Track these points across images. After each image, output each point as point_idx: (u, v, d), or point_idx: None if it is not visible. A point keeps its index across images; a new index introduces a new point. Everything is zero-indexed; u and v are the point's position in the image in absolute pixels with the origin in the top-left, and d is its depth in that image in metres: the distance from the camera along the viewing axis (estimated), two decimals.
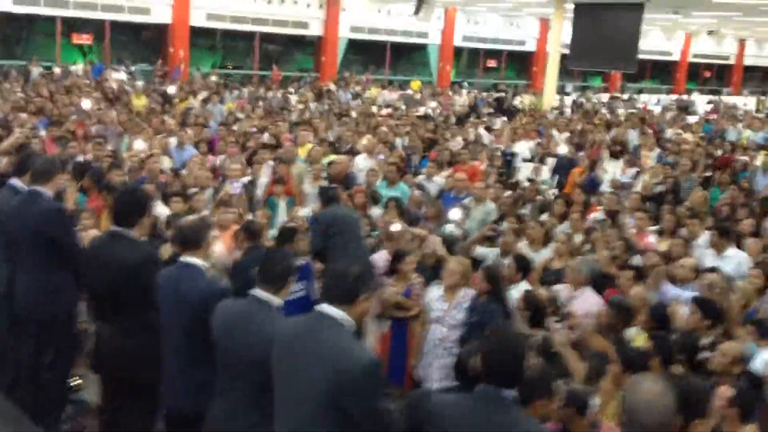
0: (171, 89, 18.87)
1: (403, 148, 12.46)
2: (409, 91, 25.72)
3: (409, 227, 7.15)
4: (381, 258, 6.51)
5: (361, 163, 10.38)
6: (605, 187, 10.44)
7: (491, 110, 22.63)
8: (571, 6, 22.96)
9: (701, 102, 31.00)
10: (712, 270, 6.08)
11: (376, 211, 8.20)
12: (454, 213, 7.87)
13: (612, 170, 11.38)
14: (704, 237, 7.53)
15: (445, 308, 5.59)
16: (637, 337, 4.99)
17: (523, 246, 7.19)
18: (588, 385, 4.40)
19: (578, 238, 7.42)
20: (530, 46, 35.57)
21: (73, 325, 5.20)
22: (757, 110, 30.87)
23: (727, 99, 33.64)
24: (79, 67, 23.05)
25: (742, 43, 41.74)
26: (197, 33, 26.66)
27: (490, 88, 32.03)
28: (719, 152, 14.11)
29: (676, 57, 39.80)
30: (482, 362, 3.04)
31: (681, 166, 11.01)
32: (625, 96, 30.97)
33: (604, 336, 5.06)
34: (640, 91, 35.91)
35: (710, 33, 38.00)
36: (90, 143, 9.85)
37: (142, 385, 4.36)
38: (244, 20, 27.38)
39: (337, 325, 3.18)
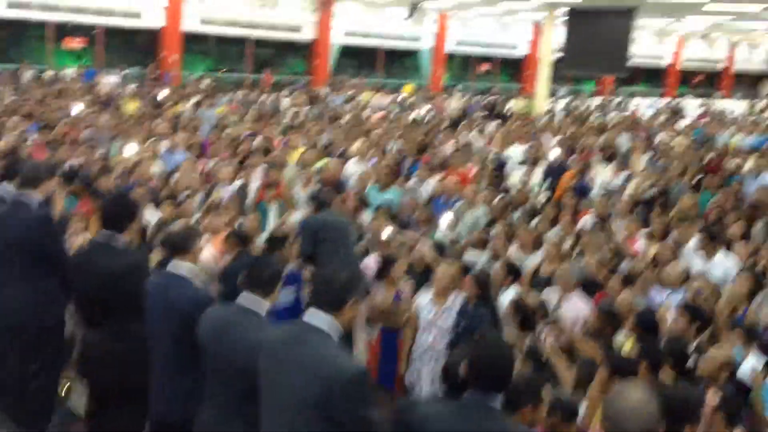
0: (163, 93, 18.83)
1: (396, 152, 12.46)
2: (402, 95, 25.73)
3: (399, 232, 7.16)
4: (371, 263, 6.51)
5: (353, 167, 10.37)
6: (596, 192, 10.46)
7: (484, 114, 22.65)
8: (563, 11, 23.04)
9: (692, 106, 31.10)
10: (701, 275, 6.09)
11: (366, 216, 8.20)
12: (445, 218, 7.87)
13: (603, 174, 11.41)
14: (694, 241, 7.54)
15: (434, 314, 5.59)
16: (624, 342, 5.00)
17: (513, 250, 7.20)
18: (577, 390, 4.40)
19: (568, 243, 7.43)
20: (522, 51, 35.64)
21: (61, 332, 5.17)
22: (748, 114, 30.99)
23: (719, 103, 33.76)
24: (70, 71, 23.00)
25: (733, 47, 41.92)
26: (190, 37, 26.63)
27: (482, 93, 32.08)
28: (710, 156, 14.15)
29: (667, 61, 39.93)
30: (469, 369, 3.04)
31: (671, 170, 11.03)
32: (617, 100, 31.05)
33: (593, 341, 5.08)
34: (631, 96, 36.01)
35: (702, 38, 38.17)
36: (80, 147, 9.82)
37: (129, 392, 4.35)
38: (236, 24, 27.35)
39: (323, 334, 3.17)
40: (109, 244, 4.37)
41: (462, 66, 36.51)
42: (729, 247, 7.61)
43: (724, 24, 28.08)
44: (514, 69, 37.34)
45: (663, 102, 33.01)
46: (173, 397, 3.99)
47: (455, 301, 5.59)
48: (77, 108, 13.80)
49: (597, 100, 30.63)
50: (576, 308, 5.76)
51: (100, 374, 4.47)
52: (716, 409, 4.02)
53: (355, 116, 17.33)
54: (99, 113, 13.77)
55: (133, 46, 27.86)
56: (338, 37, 29.72)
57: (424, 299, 5.71)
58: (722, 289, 6.10)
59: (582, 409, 4.09)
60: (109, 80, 21.39)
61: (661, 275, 6.33)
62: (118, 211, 4.48)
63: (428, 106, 22.33)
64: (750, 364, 4.77)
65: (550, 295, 5.96)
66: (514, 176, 11.68)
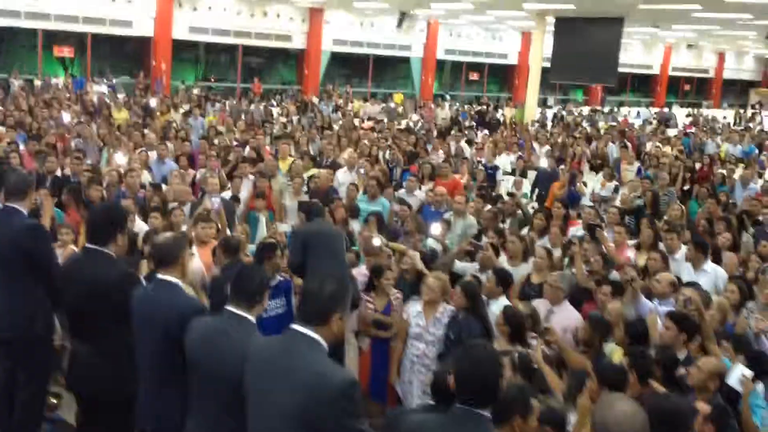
0: (152, 102, 18.82)
1: (385, 161, 12.47)
2: (392, 104, 25.78)
3: (388, 242, 7.15)
4: (360, 273, 6.50)
5: (342, 177, 10.37)
6: (585, 201, 10.48)
7: (473, 123, 22.73)
8: (552, 20, 23.17)
9: (681, 115, 31.30)
10: (689, 285, 6.10)
11: (355, 226, 8.19)
12: (435, 227, 7.86)
13: (592, 184, 11.44)
14: (682, 251, 7.56)
15: (423, 324, 5.59)
16: (614, 352, 5.00)
17: (502, 261, 7.19)
18: (567, 401, 4.40)
19: (558, 253, 7.43)
20: (512, 60, 35.81)
21: (49, 342, 5.15)
22: (736, 123, 31.20)
23: (707, 112, 33.97)
24: (59, 81, 22.95)
25: (721, 56, 42.21)
26: (180, 46, 26.64)
27: (472, 101, 32.19)
28: (698, 165, 14.23)
29: (656, 70, 40.18)
30: (455, 380, 3.03)
31: (660, 179, 11.07)
32: (606, 109, 31.21)
33: (584, 352, 5.08)
34: (620, 104, 36.20)
35: (690, 47, 38.43)
36: (69, 157, 9.79)
37: (117, 403, 4.32)
38: (226, 33, 27.38)
39: (312, 345, 3.16)
40: (97, 255, 4.35)
41: (452, 75, 36.64)
42: (718, 256, 7.64)
43: (712, 32, 28.26)
44: (504, 78, 37.51)
45: (652, 111, 33.20)
46: (161, 408, 3.96)
47: (445, 311, 5.60)
48: (66, 117, 13.75)
49: (586, 109, 30.79)
50: (565, 318, 5.76)
51: (87, 386, 4.45)
52: (707, 420, 4.02)
53: (345, 125, 17.35)
54: (88, 123, 13.74)
55: (122, 55, 27.83)
56: (328, 46, 29.77)
57: (414, 309, 5.71)
58: (711, 299, 6.10)
59: (572, 420, 4.09)
60: (98, 89, 21.35)
61: (651, 285, 6.33)
62: (107, 222, 4.45)
63: (417, 117, 22.39)
64: (738, 372, 4.78)
65: (540, 305, 5.96)
66: (504, 185, 11.70)
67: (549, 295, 6.00)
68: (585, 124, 24.14)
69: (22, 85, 21.04)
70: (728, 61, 42.85)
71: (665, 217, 9.19)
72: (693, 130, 23.91)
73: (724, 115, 33.70)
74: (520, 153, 14.61)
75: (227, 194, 8.89)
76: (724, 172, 13.06)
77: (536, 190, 11.98)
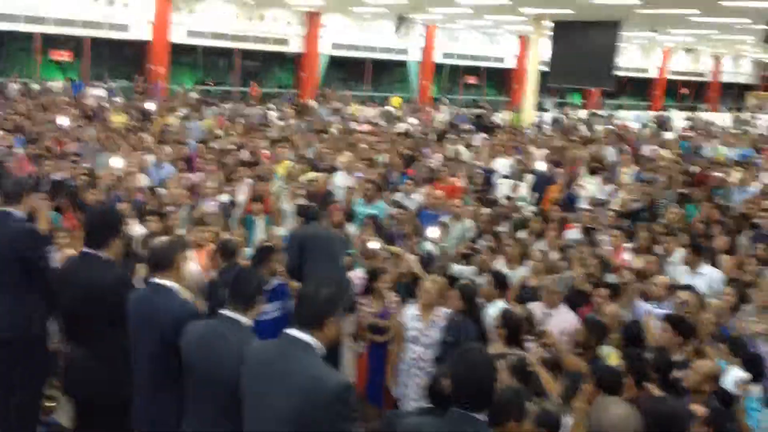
0: (150, 106, 18.80)
1: (382, 164, 12.47)
2: (390, 108, 25.77)
3: (386, 245, 7.15)
4: (357, 276, 6.51)
5: (340, 180, 10.37)
6: (583, 204, 10.49)
7: (471, 127, 22.73)
8: (549, 24, 23.18)
9: (678, 118, 31.31)
10: (686, 288, 6.11)
11: (351, 229, 8.20)
12: (432, 231, 7.87)
13: (590, 187, 11.45)
14: (679, 254, 7.57)
15: (420, 327, 5.59)
16: (610, 355, 5.01)
17: (499, 264, 7.20)
18: (564, 404, 4.40)
19: (555, 256, 7.44)
20: (510, 63, 35.82)
21: (45, 346, 5.15)
22: (733, 126, 31.22)
23: (704, 116, 34.00)
24: (57, 84, 22.94)
25: (718, 60, 42.26)
26: (177, 50, 26.62)
27: (470, 105, 32.21)
28: (696, 169, 14.23)
29: (653, 74, 40.20)
30: (451, 384, 3.04)
31: (657, 183, 11.08)
32: (604, 113, 31.22)
33: (581, 355, 5.08)
34: (618, 108, 36.24)
35: (687, 50, 38.48)
36: (66, 161, 9.78)
37: (113, 407, 4.32)
38: (224, 37, 27.37)
39: (307, 349, 3.16)
40: (93, 259, 4.35)
41: (449, 78, 36.65)
42: (714, 259, 7.65)
43: (709, 36, 28.32)
44: (502, 81, 37.52)
45: (649, 114, 33.23)
46: (156, 412, 3.97)
47: (441, 314, 5.60)
48: (64, 121, 13.74)
49: (584, 113, 30.82)
50: (562, 321, 5.77)
51: (82, 389, 4.44)
52: (703, 423, 4.02)
53: (342, 129, 17.35)
54: (85, 126, 13.73)
55: (120, 59, 27.83)
56: (326, 50, 29.78)
57: (411, 312, 5.71)
58: (707, 302, 6.12)
59: (567, 422, 4.09)
60: (96, 93, 21.33)
61: (647, 288, 6.35)
62: (103, 226, 4.46)
63: (416, 120, 22.38)
64: (734, 375, 4.79)
65: (537, 308, 5.97)
66: (501, 189, 11.70)
67: (546, 299, 6.01)
68: (582, 127, 24.14)
69: (20, 89, 21.02)
70: (726, 65, 42.92)
71: (662, 221, 9.20)
72: (691, 133, 23.92)
73: (722, 118, 33.75)
74: (517, 156, 14.61)
75: (225, 198, 8.90)
76: (722, 175, 13.06)
77: (534, 194, 11.99)
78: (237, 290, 3.66)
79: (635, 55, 37.59)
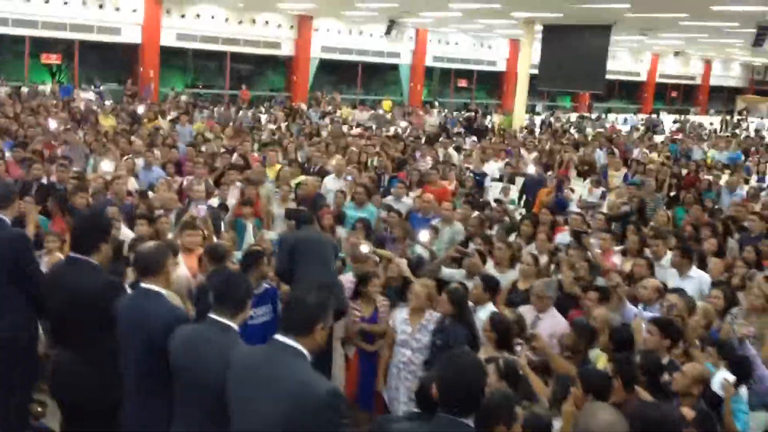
0: (140, 109, 18.76)
1: (373, 168, 12.48)
2: (381, 111, 25.80)
3: (376, 249, 7.14)
4: (347, 280, 6.50)
5: (330, 184, 10.37)
6: (573, 208, 10.52)
7: (461, 130, 22.78)
8: (540, 27, 23.27)
9: (668, 121, 31.47)
10: (675, 291, 6.12)
11: (342, 233, 8.19)
12: (423, 234, 7.87)
13: (579, 190, 11.48)
14: (668, 257, 7.59)
15: (410, 331, 5.59)
16: (599, 358, 5.02)
17: (489, 267, 7.20)
18: (552, 407, 4.40)
19: (544, 259, 7.44)
20: (500, 67, 35.94)
21: (33, 350, 5.12)
22: (722, 129, 31.40)
23: (694, 118, 34.18)
24: (47, 87, 22.87)
25: (707, 63, 42.48)
26: (168, 53, 26.58)
27: (460, 108, 32.27)
28: (685, 172, 14.30)
29: (643, 77, 40.40)
30: (439, 389, 3.03)
31: (647, 186, 11.12)
32: (594, 116, 31.34)
33: (570, 358, 5.08)
34: (608, 111, 36.37)
35: (677, 54, 38.67)
36: (55, 165, 9.74)
37: (101, 411, 4.30)
38: (214, 40, 27.35)
39: (296, 355, 3.15)
40: (82, 263, 4.33)
41: (440, 82, 36.73)
42: (703, 262, 7.67)
43: (699, 40, 28.45)
44: (492, 85, 37.62)
45: (639, 117, 33.37)
46: (146, 417, 3.94)
47: (431, 318, 5.60)
48: (53, 124, 13.68)
49: (574, 116, 30.92)
50: (552, 325, 5.77)
51: (70, 393, 4.42)
52: (691, 425, 4.03)
53: (333, 132, 17.36)
54: (75, 130, 13.68)
55: (110, 62, 27.76)
56: (317, 53, 29.79)
57: (400, 316, 5.71)
58: (696, 305, 6.13)
59: (556, 426, 4.09)
60: (85, 96, 21.27)
61: (637, 291, 6.36)
62: (90, 232, 4.44)
63: (406, 124, 22.41)
64: (721, 377, 4.81)
65: (527, 311, 5.97)
66: (492, 193, 11.73)
67: (536, 302, 6.01)
68: (573, 130, 24.23)
69: (8, 92, 20.94)
70: (715, 69, 43.14)
71: (651, 224, 9.23)
72: (680, 136, 24.04)
73: (711, 121, 33.91)
74: (508, 160, 14.65)
75: (214, 201, 8.87)
76: (711, 178, 13.12)
77: (524, 197, 12.02)
78: (225, 295, 3.64)
79: (625, 59, 37.76)
